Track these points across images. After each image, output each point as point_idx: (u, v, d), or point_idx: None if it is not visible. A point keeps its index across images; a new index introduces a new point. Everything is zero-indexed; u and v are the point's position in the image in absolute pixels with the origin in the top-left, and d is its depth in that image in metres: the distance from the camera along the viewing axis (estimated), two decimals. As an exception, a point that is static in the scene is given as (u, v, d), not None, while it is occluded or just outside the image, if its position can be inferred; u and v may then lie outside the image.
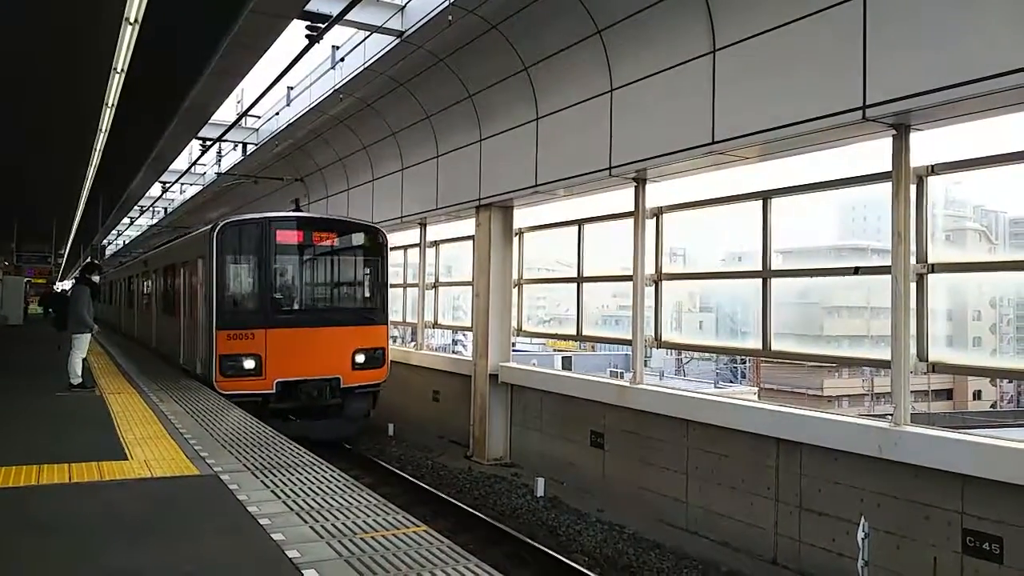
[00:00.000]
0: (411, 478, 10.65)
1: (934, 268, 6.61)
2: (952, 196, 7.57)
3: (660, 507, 8.93)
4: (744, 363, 43.91)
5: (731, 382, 42.10)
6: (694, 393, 9.83)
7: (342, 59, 13.19)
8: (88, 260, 24.30)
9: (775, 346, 8.14)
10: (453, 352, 22.73)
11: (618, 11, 8.80)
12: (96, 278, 10.80)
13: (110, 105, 10.19)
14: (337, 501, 5.04)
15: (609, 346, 33.89)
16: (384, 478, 10.79)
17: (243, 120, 17.71)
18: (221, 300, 11.00)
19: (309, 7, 9.69)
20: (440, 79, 12.17)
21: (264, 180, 19.67)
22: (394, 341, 16.19)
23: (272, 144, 18.40)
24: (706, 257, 9.97)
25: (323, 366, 11.36)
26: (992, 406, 43.84)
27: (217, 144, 19.87)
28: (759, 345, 8.26)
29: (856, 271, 7.39)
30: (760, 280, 8.19)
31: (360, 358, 11.71)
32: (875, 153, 6.94)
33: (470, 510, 9.05)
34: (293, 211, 13.22)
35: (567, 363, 35.11)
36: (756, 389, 39.25)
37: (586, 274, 11.15)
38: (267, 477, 5.65)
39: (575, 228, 11.33)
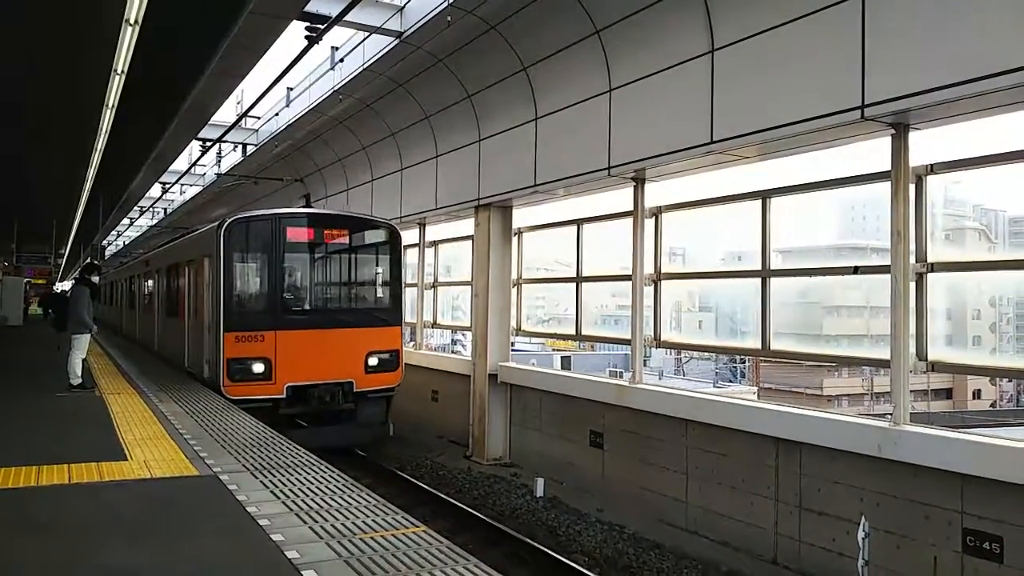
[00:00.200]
0: (410, 478, 10.66)
1: (933, 267, 6.61)
2: (951, 195, 7.59)
3: (660, 507, 8.93)
4: (743, 363, 43.92)
5: (730, 382, 42.09)
6: (693, 393, 9.83)
7: (341, 60, 13.18)
8: (88, 260, 24.24)
9: (774, 345, 8.13)
10: (452, 352, 22.71)
11: (616, 11, 8.80)
12: (96, 279, 10.78)
13: (110, 106, 10.20)
14: (336, 501, 5.05)
15: (608, 346, 33.88)
16: (383, 478, 10.78)
17: (243, 121, 17.76)
18: (229, 301, 10.50)
19: (308, 8, 9.71)
20: (439, 79, 12.17)
21: (264, 181, 19.62)
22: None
23: (272, 145, 18.41)
24: (705, 257, 9.97)
25: (335, 369, 10.85)
26: (992, 405, 43.90)
27: (217, 145, 19.87)
28: (758, 345, 8.25)
29: (855, 270, 7.38)
30: (759, 279, 8.19)
31: (373, 361, 11.20)
32: (874, 152, 6.94)
33: (469, 510, 9.06)
34: (303, 207, 12.66)
35: (566, 363, 35.06)
36: (755, 388, 39.27)
37: (585, 274, 11.15)
38: (266, 477, 5.66)
39: (574, 228, 11.33)
